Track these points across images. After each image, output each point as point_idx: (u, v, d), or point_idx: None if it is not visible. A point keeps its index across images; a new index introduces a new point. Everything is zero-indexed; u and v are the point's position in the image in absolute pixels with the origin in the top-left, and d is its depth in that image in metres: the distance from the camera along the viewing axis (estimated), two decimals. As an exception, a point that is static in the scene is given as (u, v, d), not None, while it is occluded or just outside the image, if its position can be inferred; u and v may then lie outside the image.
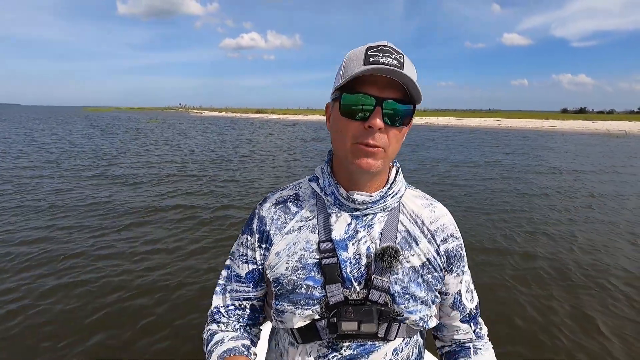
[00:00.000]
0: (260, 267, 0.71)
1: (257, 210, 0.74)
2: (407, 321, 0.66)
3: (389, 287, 0.64)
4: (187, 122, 40.79)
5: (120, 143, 15.76)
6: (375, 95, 0.57)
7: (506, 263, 3.91)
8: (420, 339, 0.74)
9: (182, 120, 44.31)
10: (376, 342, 0.65)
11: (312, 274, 0.65)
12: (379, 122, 0.57)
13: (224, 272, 0.76)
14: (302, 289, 0.65)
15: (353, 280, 0.64)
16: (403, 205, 0.70)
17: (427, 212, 0.71)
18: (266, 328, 0.88)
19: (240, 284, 0.73)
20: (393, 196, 0.68)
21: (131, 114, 77.37)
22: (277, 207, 0.72)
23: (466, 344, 0.76)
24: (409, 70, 0.59)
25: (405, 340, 0.68)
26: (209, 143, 17.09)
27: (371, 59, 0.57)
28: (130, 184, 7.53)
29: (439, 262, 0.69)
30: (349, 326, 0.62)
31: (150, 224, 4.98)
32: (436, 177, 9.03)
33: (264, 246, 0.70)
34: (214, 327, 0.74)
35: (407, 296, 0.65)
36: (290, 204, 0.72)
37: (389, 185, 0.68)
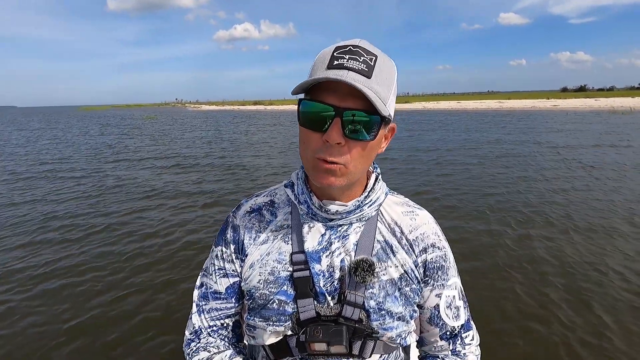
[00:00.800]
0: (238, 279, 0.68)
1: (230, 219, 0.70)
2: (383, 338, 0.62)
3: (363, 302, 0.60)
4: (189, 117, 39.21)
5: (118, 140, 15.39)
6: (334, 105, 0.51)
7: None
8: (402, 354, 0.71)
9: (182, 115, 43.28)
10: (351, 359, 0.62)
11: (284, 287, 0.62)
12: (335, 135, 0.51)
13: (197, 292, 0.70)
14: (274, 304, 0.62)
15: (327, 295, 0.61)
16: (382, 213, 0.66)
17: (407, 220, 0.67)
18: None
19: (220, 301, 0.68)
20: (370, 205, 0.64)
21: (127, 111, 76.60)
22: (252, 215, 0.68)
23: (437, 357, 0.70)
24: (382, 75, 0.52)
25: (383, 357, 0.66)
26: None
27: (335, 62, 0.51)
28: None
29: (417, 274, 0.65)
30: (317, 347, 0.60)
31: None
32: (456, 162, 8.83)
33: (240, 257, 0.67)
34: (203, 355, 0.67)
35: (382, 312, 0.62)
36: (264, 212, 0.68)
37: (365, 194, 0.63)
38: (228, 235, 0.69)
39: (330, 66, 0.52)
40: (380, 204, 0.66)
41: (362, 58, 0.52)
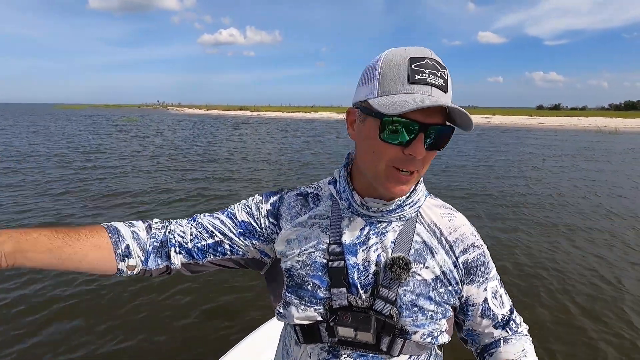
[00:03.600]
0: (254, 229, 0.70)
1: (283, 192, 0.73)
2: (413, 336, 0.62)
3: (395, 298, 0.61)
4: (177, 121, 37.66)
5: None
6: (419, 121, 0.53)
7: None
8: None
9: (168, 120, 41.38)
10: (379, 356, 0.63)
11: (319, 273, 0.64)
12: (421, 150, 0.54)
13: (226, 209, 0.73)
14: (309, 285, 0.64)
15: (359, 287, 0.63)
16: (421, 214, 0.67)
17: (446, 222, 0.67)
18: (278, 327, 0.85)
19: (231, 221, 0.70)
20: (411, 206, 0.65)
21: (107, 111, 73.39)
22: (298, 198, 0.72)
23: (498, 339, 0.71)
24: (450, 93, 0.55)
25: (413, 358, 0.64)
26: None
27: (417, 77, 0.52)
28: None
29: (455, 275, 0.65)
30: (345, 332, 0.60)
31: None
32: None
33: (271, 220, 0.70)
34: (157, 222, 0.70)
35: (415, 309, 0.62)
36: (310, 200, 0.71)
37: (407, 195, 0.64)
38: (273, 199, 0.72)
39: (412, 81, 0.52)
40: (420, 206, 0.66)
41: (439, 73, 0.53)
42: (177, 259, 0.67)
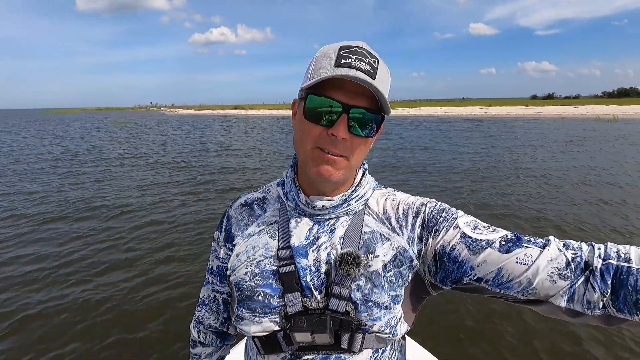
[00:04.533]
0: (223, 264, 0.72)
1: (227, 209, 0.74)
2: (371, 330, 0.60)
3: (349, 294, 0.60)
4: (175, 125, 36.66)
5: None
6: (342, 102, 0.54)
7: None
8: (398, 354, 0.68)
9: (165, 122, 40.47)
10: (341, 355, 0.61)
11: (270, 281, 0.62)
12: (342, 131, 0.54)
13: (208, 263, 0.78)
14: (260, 296, 0.62)
15: (313, 289, 0.61)
16: (369, 206, 0.66)
17: (389, 203, 0.66)
18: (244, 341, 0.93)
19: (213, 277, 0.76)
20: (357, 199, 0.64)
21: (99, 115, 72.31)
22: (244, 208, 0.71)
23: (581, 261, 0.51)
24: (382, 78, 0.55)
25: (376, 353, 0.63)
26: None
27: (343, 61, 0.53)
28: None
29: (411, 252, 0.62)
30: (302, 337, 0.59)
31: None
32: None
33: (227, 245, 0.70)
34: (197, 333, 0.81)
35: (369, 303, 0.60)
36: (255, 207, 0.71)
37: (352, 189, 0.65)
38: (223, 223, 0.73)
39: (338, 64, 0.53)
40: (367, 199, 0.66)
41: (367, 60, 0.54)
42: (232, 330, 0.81)
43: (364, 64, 0.53)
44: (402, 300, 0.63)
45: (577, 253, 0.52)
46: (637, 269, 0.47)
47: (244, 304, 0.64)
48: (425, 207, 0.64)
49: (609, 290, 0.48)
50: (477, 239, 0.58)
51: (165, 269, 3.72)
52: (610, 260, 0.49)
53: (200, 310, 0.80)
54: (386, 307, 0.61)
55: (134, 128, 27.95)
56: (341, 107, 0.54)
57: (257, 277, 0.63)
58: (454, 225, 0.61)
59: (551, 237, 0.56)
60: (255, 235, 0.67)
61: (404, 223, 0.63)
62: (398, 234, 0.63)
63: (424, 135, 17.97)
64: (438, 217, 0.62)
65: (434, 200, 0.67)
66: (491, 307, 2.93)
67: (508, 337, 2.61)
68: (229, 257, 0.69)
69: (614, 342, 2.55)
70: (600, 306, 0.49)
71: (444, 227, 0.61)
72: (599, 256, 0.50)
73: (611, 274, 0.48)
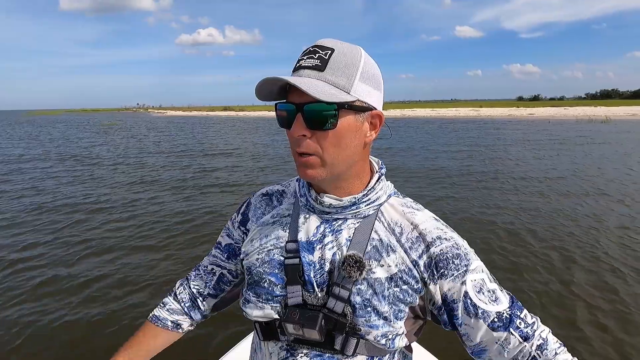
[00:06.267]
0: (236, 245, 0.75)
1: (250, 196, 0.77)
2: (367, 336, 0.60)
3: (349, 297, 0.60)
4: (173, 129, 35.28)
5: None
6: (294, 102, 0.55)
7: None
8: None
9: (152, 123, 39.37)
10: (335, 356, 0.62)
11: (276, 271, 0.64)
12: (296, 129, 0.55)
13: (218, 238, 0.80)
14: (266, 283, 0.65)
15: (315, 285, 0.62)
16: (382, 213, 0.65)
17: (407, 220, 0.64)
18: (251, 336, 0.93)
19: (219, 251, 0.78)
20: (368, 204, 0.63)
21: (83, 117, 70.22)
22: (264, 198, 0.74)
23: None
24: (334, 68, 0.54)
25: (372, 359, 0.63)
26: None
27: (297, 64, 0.56)
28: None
29: (415, 274, 0.61)
30: (292, 329, 0.60)
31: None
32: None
33: (242, 228, 0.74)
34: (178, 286, 0.81)
35: (368, 309, 0.60)
36: (274, 198, 0.73)
37: (364, 192, 0.63)
38: (242, 207, 0.76)
39: (294, 67, 0.56)
40: (380, 204, 0.64)
41: (317, 55, 0.55)
42: (205, 305, 0.79)
43: (313, 59, 0.54)
44: (404, 318, 0.62)
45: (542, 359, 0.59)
46: None
47: (252, 288, 0.67)
48: (442, 242, 0.61)
49: None
50: (476, 305, 0.59)
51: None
52: None
53: (192, 272, 0.81)
54: (385, 318, 0.60)
55: (122, 131, 26.76)
56: (294, 107, 0.55)
57: (265, 265, 0.65)
58: (462, 280, 0.60)
59: (537, 328, 0.60)
60: (269, 225, 0.69)
61: (414, 246, 0.62)
62: (406, 252, 0.62)
63: (443, 136, 17.57)
64: (450, 262, 0.60)
65: (454, 237, 0.62)
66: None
67: None
68: (243, 240, 0.72)
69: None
70: None
71: (451, 275, 0.60)
72: None
73: None
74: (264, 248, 0.66)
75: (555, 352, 0.58)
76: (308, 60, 0.55)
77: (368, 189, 0.63)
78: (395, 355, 0.66)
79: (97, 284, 3.46)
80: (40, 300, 3.19)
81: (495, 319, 0.59)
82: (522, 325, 0.59)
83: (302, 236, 0.63)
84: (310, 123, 0.54)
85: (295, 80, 0.51)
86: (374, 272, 0.60)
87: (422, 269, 0.60)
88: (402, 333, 0.62)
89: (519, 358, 0.59)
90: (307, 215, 0.65)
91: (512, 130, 21.56)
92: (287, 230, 0.66)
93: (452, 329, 0.63)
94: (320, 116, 0.54)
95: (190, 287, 0.79)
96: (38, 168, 9.89)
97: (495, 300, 0.60)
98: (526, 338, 0.58)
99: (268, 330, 0.65)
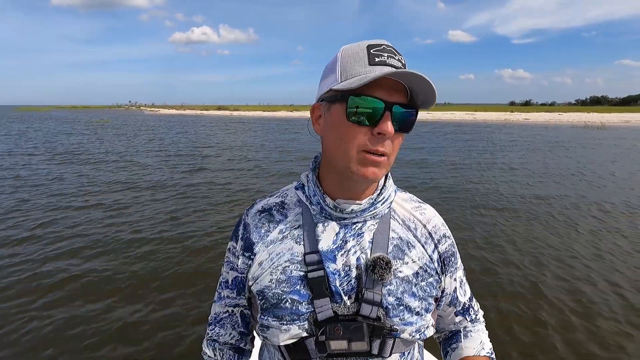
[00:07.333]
0: (242, 275, 0.68)
1: (243, 217, 0.71)
2: (402, 335, 0.60)
3: (381, 299, 0.59)
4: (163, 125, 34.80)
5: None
6: (384, 99, 0.53)
7: None
8: (417, 354, 0.69)
9: (146, 122, 38.48)
10: None
11: (298, 287, 0.60)
12: (390, 128, 0.53)
13: (220, 278, 0.74)
14: (287, 303, 0.60)
15: (343, 294, 0.59)
16: (394, 210, 0.66)
17: (418, 215, 0.67)
18: (257, 342, 0.87)
19: (229, 291, 0.71)
20: (383, 202, 0.64)
21: (74, 113, 68.69)
22: (262, 215, 0.68)
23: (458, 331, 0.77)
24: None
25: (402, 356, 0.64)
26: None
27: (377, 59, 0.54)
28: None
29: (434, 266, 0.65)
30: (338, 345, 0.57)
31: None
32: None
33: (246, 254, 0.66)
34: (209, 352, 0.75)
35: (401, 308, 0.60)
36: (275, 212, 0.67)
37: (378, 192, 0.64)
38: (239, 232, 0.69)
39: (373, 63, 0.54)
40: (391, 202, 0.66)
41: (397, 57, 0.55)
42: (248, 346, 0.76)
43: (395, 60, 0.54)
44: (432, 310, 0.65)
45: (457, 328, 0.77)
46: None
47: (270, 312, 0.61)
48: (446, 241, 0.67)
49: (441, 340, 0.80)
50: (457, 297, 0.72)
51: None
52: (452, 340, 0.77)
53: (213, 329, 0.75)
54: (417, 313, 0.61)
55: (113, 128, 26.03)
56: (384, 105, 0.53)
57: (283, 284, 0.61)
58: (454, 276, 0.69)
59: (478, 312, 0.78)
60: (279, 241, 0.64)
61: (427, 242, 0.65)
62: (423, 247, 0.64)
63: (447, 139, 17.26)
64: (449, 260, 0.67)
65: (450, 233, 0.69)
66: (505, 312, 2.93)
67: (518, 339, 2.61)
68: (249, 267, 0.66)
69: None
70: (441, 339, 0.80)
71: (450, 272, 0.68)
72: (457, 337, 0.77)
73: (449, 342, 0.78)
74: (277, 267, 0.62)
75: (480, 341, 0.74)
76: (392, 59, 0.54)
77: (380, 187, 0.64)
78: (417, 348, 0.69)
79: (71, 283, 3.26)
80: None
81: (461, 309, 0.73)
82: (472, 312, 0.76)
83: (322, 245, 0.61)
84: (398, 124, 0.55)
85: (429, 80, 0.51)
86: (401, 271, 0.61)
87: (435, 264, 0.65)
88: (432, 324, 0.65)
89: (454, 329, 0.77)
90: (326, 223, 0.62)
91: (525, 135, 21.41)
92: (302, 243, 0.62)
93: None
94: (408, 119, 0.56)
95: (224, 343, 0.74)
96: (18, 164, 9.29)
97: (465, 292, 0.73)
98: (472, 320, 0.76)
99: (296, 352, 0.60)
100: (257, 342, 0.80)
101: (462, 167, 10.07)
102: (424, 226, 0.66)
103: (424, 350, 0.78)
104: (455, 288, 0.70)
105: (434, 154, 12.73)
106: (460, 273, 0.71)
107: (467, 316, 0.74)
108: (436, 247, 0.65)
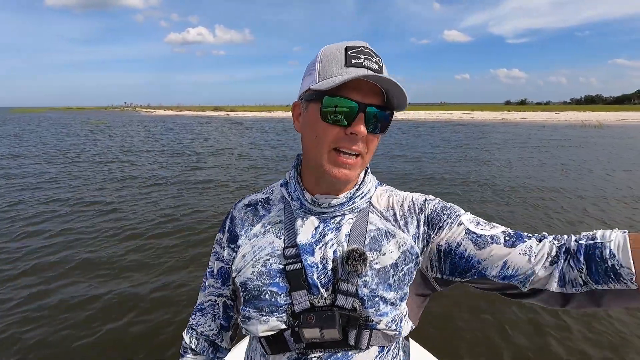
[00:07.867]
0: (227, 266, 0.70)
1: (231, 210, 0.73)
2: (378, 325, 0.61)
3: (356, 290, 0.60)
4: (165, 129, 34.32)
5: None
6: (358, 101, 0.55)
7: None
8: (401, 353, 0.67)
9: (142, 122, 38.35)
10: (349, 352, 0.61)
11: (277, 280, 0.63)
12: (362, 128, 0.55)
13: (207, 269, 0.76)
14: (267, 295, 0.62)
15: (320, 286, 0.61)
16: (372, 204, 0.67)
17: (393, 200, 0.68)
18: (244, 341, 0.86)
19: (214, 280, 0.73)
20: (362, 197, 0.65)
21: (69, 115, 68.14)
22: (248, 209, 0.71)
23: (563, 247, 0.57)
24: (387, 74, 0.57)
25: (382, 352, 0.63)
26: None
27: (353, 61, 0.55)
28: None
29: (416, 249, 0.64)
30: (310, 333, 0.58)
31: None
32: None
33: (231, 246, 0.69)
34: (189, 339, 0.75)
35: (376, 299, 0.61)
36: (260, 207, 0.70)
37: (357, 187, 0.65)
38: (226, 225, 0.71)
39: (349, 64, 0.55)
40: (370, 197, 0.67)
41: (374, 59, 0.56)
42: (224, 341, 0.76)
43: (372, 62, 0.55)
44: (406, 298, 0.63)
45: (561, 242, 0.57)
46: (601, 242, 0.52)
47: (251, 303, 0.63)
48: (429, 203, 0.66)
49: (584, 266, 0.53)
50: (481, 235, 0.60)
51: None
52: (581, 242, 0.55)
53: (195, 317, 0.76)
54: (392, 304, 0.61)
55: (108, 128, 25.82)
56: (357, 106, 0.54)
57: (263, 276, 0.63)
58: (457, 222, 0.63)
59: (545, 233, 0.60)
60: (261, 235, 0.66)
61: (409, 220, 0.65)
62: (403, 231, 0.64)
63: (452, 137, 17.24)
64: (441, 214, 0.64)
65: (437, 198, 0.68)
66: (499, 309, 2.95)
67: (513, 341, 2.60)
68: (233, 259, 0.68)
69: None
70: (582, 282, 0.53)
71: (447, 223, 0.63)
72: (575, 240, 0.56)
73: (582, 252, 0.54)
74: (258, 260, 0.64)
75: (572, 235, 0.57)
76: (368, 61, 0.55)
77: (359, 182, 0.65)
78: (399, 345, 0.67)
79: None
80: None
81: (507, 237, 0.60)
82: (529, 233, 0.60)
83: (301, 239, 0.62)
84: (371, 126, 0.56)
85: (400, 85, 0.53)
86: (377, 262, 0.61)
87: (421, 236, 0.63)
88: (406, 314, 0.64)
89: (548, 254, 0.56)
90: (305, 218, 0.64)
91: (523, 134, 21.44)
92: (282, 237, 0.64)
93: (465, 277, 0.61)
94: (382, 121, 0.57)
95: (201, 333, 0.75)
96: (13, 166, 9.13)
97: (493, 226, 0.62)
98: (540, 239, 0.58)
99: (276, 343, 0.62)
100: (245, 341, 0.73)
101: (468, 163, 10.03)
102: (401, 206, 0.66)
103: (412, 341, 0.72)
104: (469, 229, 0.60)
105: (432, 152, 12.68)
106: (467, 217, 0.63)
107: (527, 238, 0.58)
108: (422, 212, 0.64)
